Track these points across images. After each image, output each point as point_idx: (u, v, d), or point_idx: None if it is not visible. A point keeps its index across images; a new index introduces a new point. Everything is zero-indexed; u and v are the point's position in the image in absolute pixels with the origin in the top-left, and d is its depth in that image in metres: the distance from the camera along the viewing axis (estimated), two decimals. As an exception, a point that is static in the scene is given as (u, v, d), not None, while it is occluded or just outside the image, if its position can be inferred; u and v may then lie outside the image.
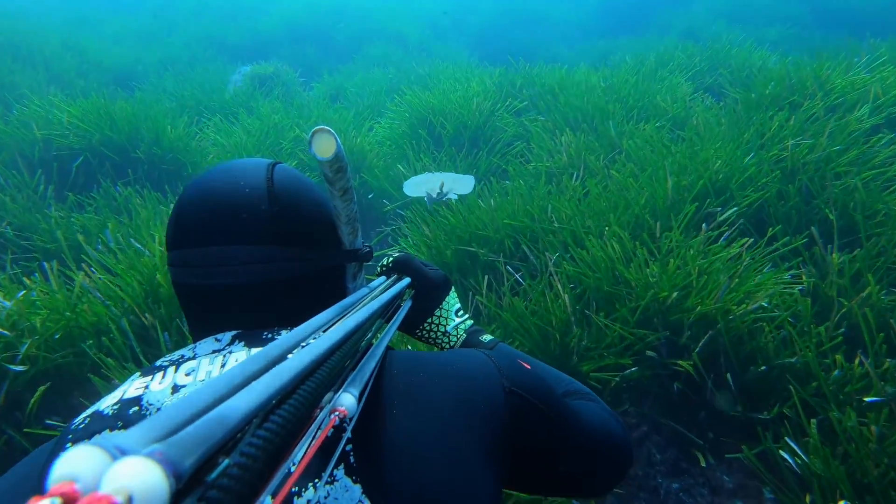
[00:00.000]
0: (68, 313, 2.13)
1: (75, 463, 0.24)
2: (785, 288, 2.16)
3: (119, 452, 0.25)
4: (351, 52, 8.77)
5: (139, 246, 2.72)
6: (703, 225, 2.42)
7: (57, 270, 2.42)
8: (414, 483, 0.53)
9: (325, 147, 0.66)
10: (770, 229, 2.49)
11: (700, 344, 2.00)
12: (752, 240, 2.43)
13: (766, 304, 2.06)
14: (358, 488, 0.51)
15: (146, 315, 2.15)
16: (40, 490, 0.51)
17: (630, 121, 4.11)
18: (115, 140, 3.95)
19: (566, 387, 0.88)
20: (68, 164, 3.85)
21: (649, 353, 2.05)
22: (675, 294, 2.11)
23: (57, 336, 2.09)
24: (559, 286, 2.33)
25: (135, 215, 3.36)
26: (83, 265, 2.39)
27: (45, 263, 2.41)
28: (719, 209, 2.64)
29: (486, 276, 2.61)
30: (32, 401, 1.93)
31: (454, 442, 0.58)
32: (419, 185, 3.53)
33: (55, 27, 7.52)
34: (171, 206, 3.79)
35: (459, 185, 3.50)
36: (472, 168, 4.14)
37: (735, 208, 2.63)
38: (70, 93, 6.14)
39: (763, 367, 1.99)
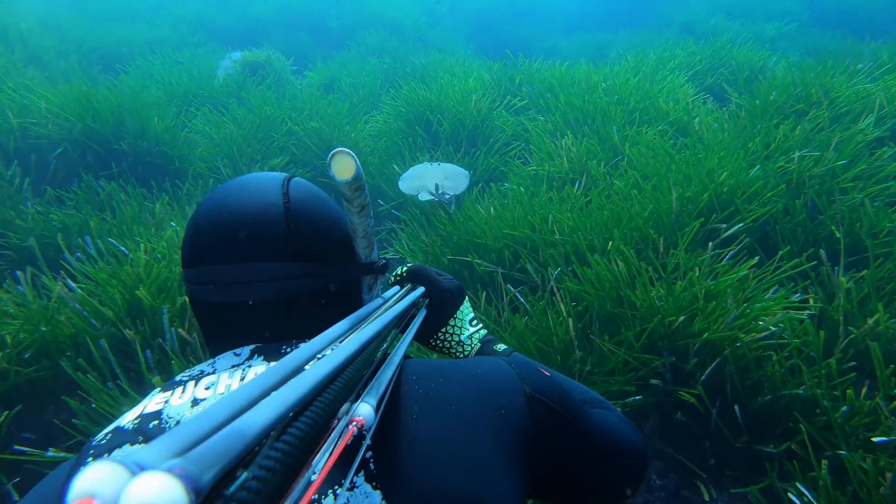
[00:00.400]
0: (44, 327, 2.01)
1: (94, 479, 0.24)
2: (793, 311, 2.10)
3: (138, 468, 0.25)
4: (345, 39, 8.54)
5: (123, 249, 2.60)
6: (710, 244, 2.34)
7: (31, 277, 2.29)
8: (435, 488, 0.53)
9: (344, 169, 0.66)
10: (779, 250, 2.42)
11: (707, 372, 1.94)
12: (758, 258, 2.36)
13: (774, 329, 2.00)
14: (378, 494, 0.50)
15: (127, 330, 2.03)
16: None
17: (632, 124, 4.01)
18: (97, 131, 3.78)
19: (582, 395, 0.87)
20: (47, 156, 3.68)
21: (654, 381, 1.98)
22: (681, 318, 2.04)
23: (27, 354, 1.97)
24: (562, 305, 2.25)
25: (118, 213, 3.22)
26: (62, 272, 2.27)
27: (18, 272, 2.28)
28: (724, 225, 2.56)
29: (486, 292, 2.53)
30: (0, 420, 1.82)
31: (476, 446, 0.57)
32: (414, 180, 3.37)
33: (32, 3, 7.19)
34: (157, 203, 3.65)
35: (455, 181, 3.34)
36: (469, 168, 4.03)
37: (741, 224, 2.56)
38: (50, 75, 5.92)
39: (769, 397, 1.94)
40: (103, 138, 3.77)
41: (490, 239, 2.91)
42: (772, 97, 3.61)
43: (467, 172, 3.47)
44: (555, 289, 2.38)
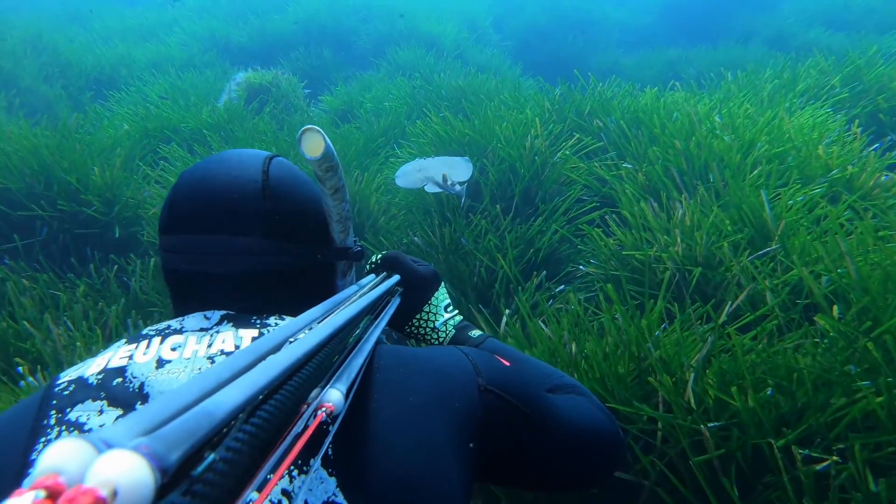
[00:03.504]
0: None
1: (60, 455, 0.24)
2: None
3: (105, 445, 0.25)
4: (374, 56, 7.49)
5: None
6: None
7: None
8: (388, 478, 0.53)
9: (313, 146, 0.66)
10: None
11: None
12: None
13: None
14: (333, 482, 0.51)
15: None
16: (23, 464, 0.51)
17: (766, 179, 2.66)
18: (6, 188, 2.72)
19: (555, 381, 0.85)
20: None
21: None
22: None
23: None
24: None
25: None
26: None
27: None
28: None
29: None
30: None
31: (429, 436, 0.58)
32: (414, 174, 2.80)
33: (26, 21, 6.41)
34: (64, 295, 2.53)
35: (457, 171, 2.82)
36: (526, 243, 2.77)
37: None
38: (24, 100, 5.03)
39: None
40: (12, 199, 2.71)
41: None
42: None
43: (467, 159, 2.92)
44: None
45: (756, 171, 2.75)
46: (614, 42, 9.22)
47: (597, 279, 2.66)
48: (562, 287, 2.65)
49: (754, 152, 2.93)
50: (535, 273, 2.62)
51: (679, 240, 2.30)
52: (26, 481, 0.46)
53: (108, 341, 2.24)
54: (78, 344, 2.16)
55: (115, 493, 0.22)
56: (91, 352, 2.12)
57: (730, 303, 1.83)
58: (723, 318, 1.81)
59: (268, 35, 7.60)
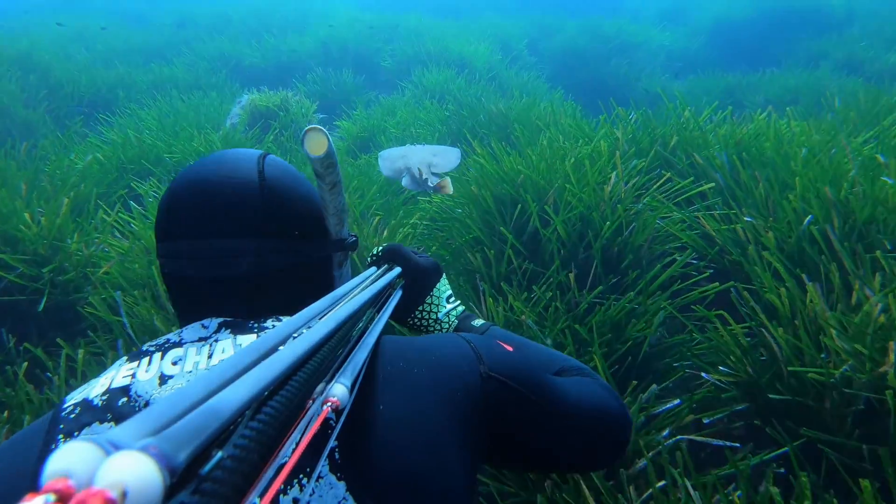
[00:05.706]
0: None
1: (69, 458, 0.24)
2: None
3: (112, 447, 0.25)
4: (399, 78, 6.83)
5: None
6: None
7: None
8: (394, 476, 0.53)
9: (316, 146, 0.67)
10: None
11: None
12: None
13: None
14: (342, 486, 0.51)
15: None
16: (34, 484, 0.48)
17: None
18: None
19: (560, 364, 0.83)
20: None
21: None
22: None
23: None
24: None
25: None
26: None
27: None
28: None
29: None
30: None
31: (433, 430, 0.58)
32: (396, 161, 2.54)
33: (16, 37, 5.87)
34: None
35: (443, 160, 2.57)
36: (612, 328, 1.92)
37: None
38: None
39: None
40: None
41: None
42: None
43: (458, 150, 2.68)
44: None
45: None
46: (660, 67, 8.43)
47: (730, 394, 1.79)
48: (678, 401, 1.78)
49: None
50: (633, 381, 1.76)
51: (893, 356, 1.42)
52: None
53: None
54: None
55: (124, 495, 0.22)
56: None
57: None
58: None
59: (283, 55, 6.99)
